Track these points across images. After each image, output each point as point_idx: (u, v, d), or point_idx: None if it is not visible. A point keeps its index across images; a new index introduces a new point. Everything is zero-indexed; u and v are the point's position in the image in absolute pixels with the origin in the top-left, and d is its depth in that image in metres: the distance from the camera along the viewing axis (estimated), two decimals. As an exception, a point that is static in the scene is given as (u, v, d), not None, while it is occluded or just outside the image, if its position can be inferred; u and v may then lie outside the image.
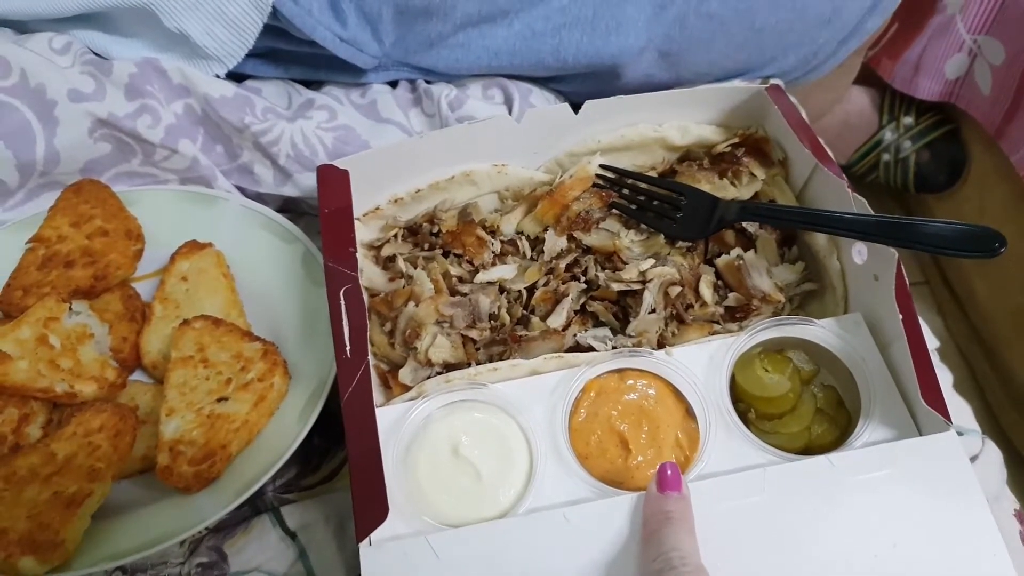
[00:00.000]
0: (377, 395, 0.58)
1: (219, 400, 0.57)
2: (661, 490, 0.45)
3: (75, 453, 0.52)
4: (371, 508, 0.46)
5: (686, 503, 0.44)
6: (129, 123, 0.66)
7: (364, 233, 0.67)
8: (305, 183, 0.70)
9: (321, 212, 0.60)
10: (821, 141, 0.65)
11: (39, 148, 0.65)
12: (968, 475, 0.47)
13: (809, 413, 0.54)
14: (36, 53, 0.64)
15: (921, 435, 0.49)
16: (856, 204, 0.57)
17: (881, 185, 1.09)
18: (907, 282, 0.52)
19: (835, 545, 0.45)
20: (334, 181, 0.62)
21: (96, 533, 0.51)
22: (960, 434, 0.49)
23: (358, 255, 0.65)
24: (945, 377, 0.69)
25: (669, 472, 0.45)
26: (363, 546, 0.45)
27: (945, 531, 0.45)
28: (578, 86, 0.76)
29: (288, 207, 0.73)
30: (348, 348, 0.52)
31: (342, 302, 0.54)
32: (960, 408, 0.65)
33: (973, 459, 0.61)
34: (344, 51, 0.69)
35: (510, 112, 0.73)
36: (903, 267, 0.53)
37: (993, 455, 0.61)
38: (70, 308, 0.61)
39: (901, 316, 0.51)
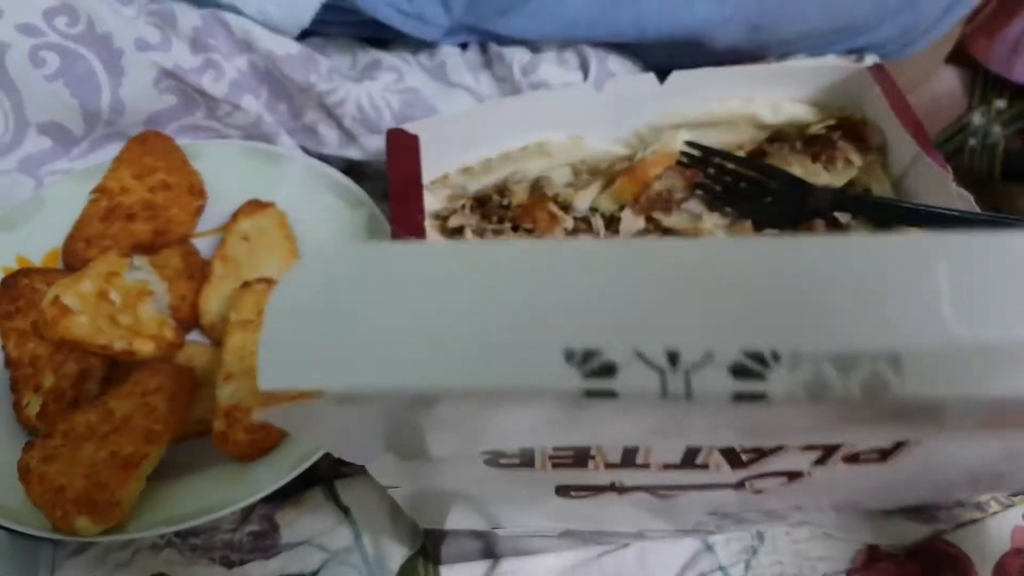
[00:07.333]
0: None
1: (277, 367, 0.55)
2: None
3: (132, 413, 0.51)
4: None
5: None
6: (195, 77, 0.64)
7: (431, 202, 0.64)
8: (370, 146, 0.68)
9: (390, 178, 0.57)
10: (925, 128, 0.60)
11: (104, 97, 0.63)
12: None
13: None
14: (102, 1, 0.62)
15: None
16: (960, 199, 0.52)
17: (964, 172, 1.03)
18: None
19: None
20: (404, 146, 0.59)
21: (150, 496, 0.50)
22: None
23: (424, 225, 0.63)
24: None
25: None
26: None
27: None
28: (657, 54, 0.71)
29: (350, 169, 0.71)
30: (414, 323, 0.50)
31: (409, 274, 0.51)
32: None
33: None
34: (409, 27, 0.65)
35: (585, 77, 0.69)
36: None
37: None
38: (131, 263, 0.59)
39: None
